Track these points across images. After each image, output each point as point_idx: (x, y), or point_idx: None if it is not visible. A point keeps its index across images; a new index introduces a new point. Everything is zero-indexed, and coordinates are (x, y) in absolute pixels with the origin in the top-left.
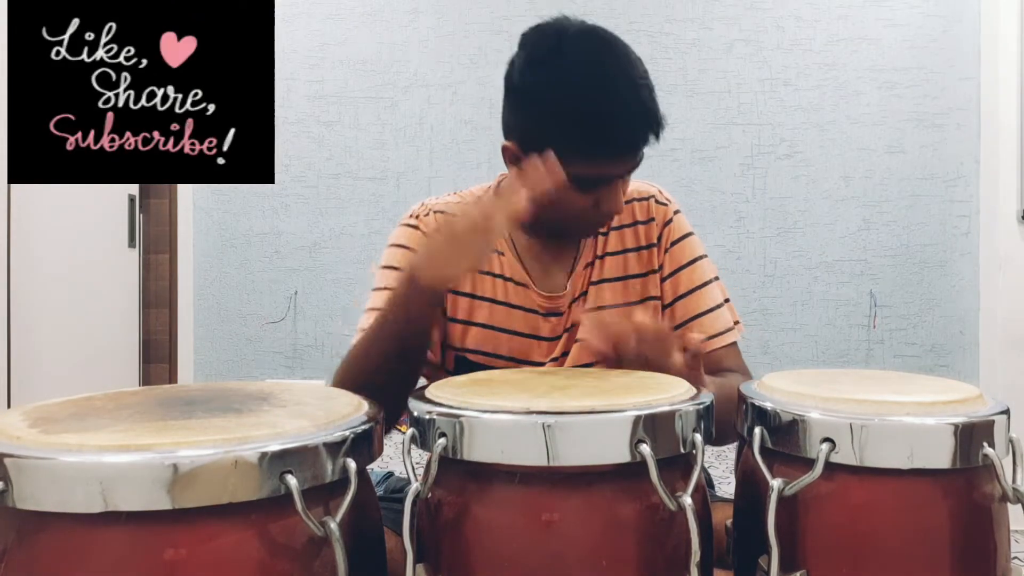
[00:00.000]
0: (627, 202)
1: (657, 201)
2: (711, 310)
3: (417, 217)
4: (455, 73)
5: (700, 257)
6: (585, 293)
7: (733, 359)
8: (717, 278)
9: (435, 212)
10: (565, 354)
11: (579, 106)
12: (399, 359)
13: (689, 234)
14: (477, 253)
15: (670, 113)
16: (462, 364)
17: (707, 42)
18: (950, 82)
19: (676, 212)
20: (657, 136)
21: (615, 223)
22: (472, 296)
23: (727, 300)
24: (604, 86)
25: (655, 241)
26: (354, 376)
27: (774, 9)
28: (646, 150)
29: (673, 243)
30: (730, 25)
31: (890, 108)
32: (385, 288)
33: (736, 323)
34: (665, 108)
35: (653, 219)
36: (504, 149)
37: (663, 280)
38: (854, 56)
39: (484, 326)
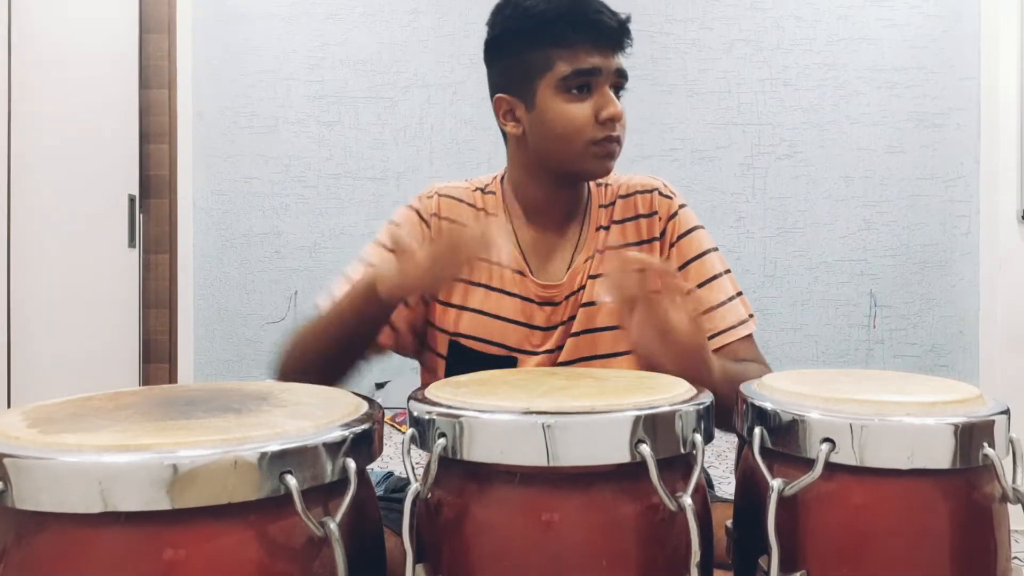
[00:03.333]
0: (630, 195)
1: (661, 194)
2: (723, 303)
3: (420, 199)
4: (455, 73)
5: (709, 251)
6: (583, 287)
7: (749, 352)
8: (728, 271)
9: (440, 196)
10: (560, 347)
11: (550, 11)
12: (345, 347)
13: (696, 227)
14: (440, 278)
15: (670, 113)
16: (455, 349)
17: (707, 42)
18: (950, 82)
19: (682, 206)
20: (627, 34)
21: (617, 216)
22: (467, 282)
23: (739, 293)
24: None
25: (658, 235)
26: (299, 352)
27: (774, 9)
28: (646, 149)
29: (679, 237)
30: (730, 25)
31: (890, 108)
32: (363, 259)
33: (751, 316)
34: (665, 108)
35: (656, 213)
36: (497, 102)
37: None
38: (854, 56)
39: (478, 312)
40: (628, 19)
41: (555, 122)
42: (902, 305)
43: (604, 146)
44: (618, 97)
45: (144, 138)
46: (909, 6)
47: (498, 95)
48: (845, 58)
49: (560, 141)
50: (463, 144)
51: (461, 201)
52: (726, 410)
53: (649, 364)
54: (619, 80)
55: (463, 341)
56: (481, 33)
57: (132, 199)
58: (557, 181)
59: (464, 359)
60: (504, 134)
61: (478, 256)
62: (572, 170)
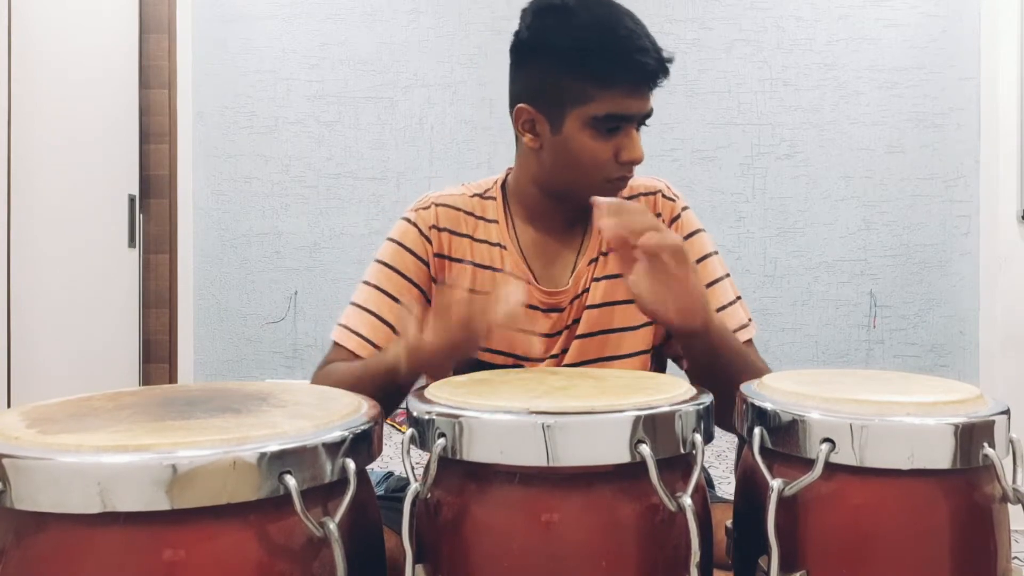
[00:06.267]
0: (632, 197)
1: (664, 196)
2: (723, 307)
3: (416, 211)
4: (455, 73)
5: (710, 254)
6: (587, 290)
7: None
8: (728, 275)
9: (437, 206)
10: (566, 350)
11: (593, 40)
12: (382, 396)
13: (698, 231)
14: (470, 347)
15: (670, 113)
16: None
17: (707, 42)
18: (950, 82)
19: (684, 208)
20: (667, 73)
21: None
22: (472, 291)
23: (739, 298)
24: (614, 23)
25: None
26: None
27: (774, 9)
28: (646, 149)
29: (682, 240)
30: (730, 25)
31: (890, 108)
32: (374, 286)
33: (750, 320)
34: (665, 108)
35: (660, 215)
36: (519, 112)
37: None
38: (854, 56)
39: None
40: (671, 59)
41: (579, 154)
42: (902, 305)
43: (617, 183)
44: (639, 130)
45: (144, 138)
46: (909, 6)
47: (521, 105)
48: (845, 58)
49: (578, 172)
50: (463, 144)
51: (459, 210)
52: (723, 393)
53: (653, 316)
54: (646, 119)
55: None
56: (481, 33)
57: (132, 199)
58: (563, 197)
59: (471, 369)
60: (516, 138)
61: (498, 323)
62: (580, 195)
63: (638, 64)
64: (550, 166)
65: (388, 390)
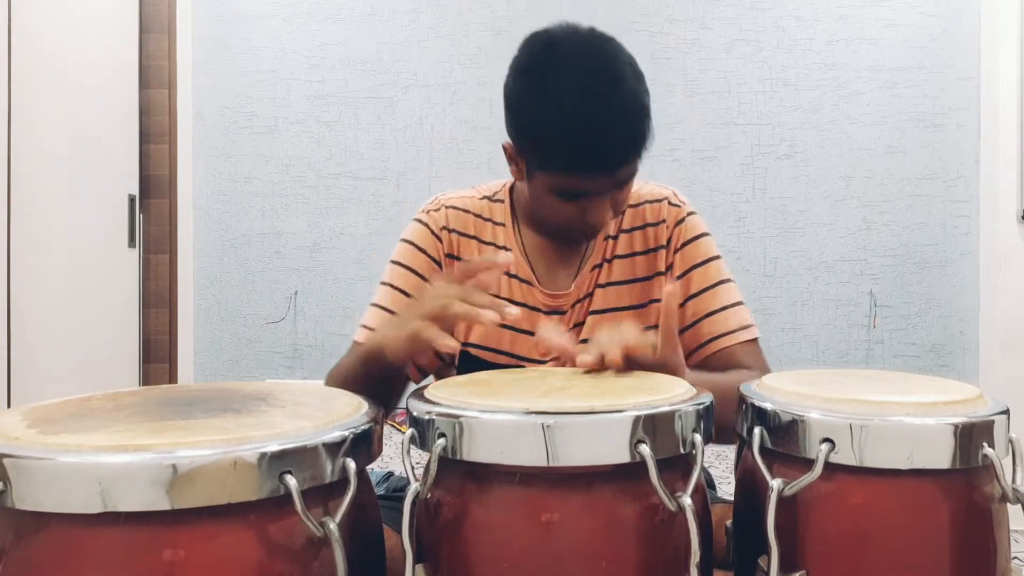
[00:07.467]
0: (639, 204)
1: (670, 203)
2: (725, 308)
3: (428, 212)
4: (455, 73)
5: (714, 258)
6: (591, 295)
7: (751, 357)
8: (731, 280)
9: (447, 207)
10: None
11: (557, 121)
12: (380, 389)
13: (703, 235)
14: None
15: (670, 113)
16: (464, 359)
17: (707, 42)
18: (950, 82)
19: (690, 213)
20: (640, 155)
21: (626, 226)
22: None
23: (742, 303)
24: (585, 103)
25: (663, 243)
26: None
27: (774, 9)
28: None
29: (685, 243)
30: (730, 25)
31: (890, 108)
32: (390, 285)
33: (752, 325)
34: (665, 108)
35: (663, 221)
36: (504, 145)
37: (675, 280)
38: (854, 56)
39: None
40: (643, 138)
41: (544, 209)
42: (902, 305)
43: (587, 236)
44: (622, 189)
45: (144, 138)
46: (909, 6)
47: (506, 142)
48: (845, 58)
49: (546, 219)
50: (463, 144)
51: (468, 212)
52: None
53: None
54: (619, 187)
55: (472, 351)
56: (481, 33)
57: (132, 199)
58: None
59: (474, 369)
60: None
61: (468, 305)
62: (556, 235)
63: (600, 157)
64: (528, 200)
65: (380, 378)
